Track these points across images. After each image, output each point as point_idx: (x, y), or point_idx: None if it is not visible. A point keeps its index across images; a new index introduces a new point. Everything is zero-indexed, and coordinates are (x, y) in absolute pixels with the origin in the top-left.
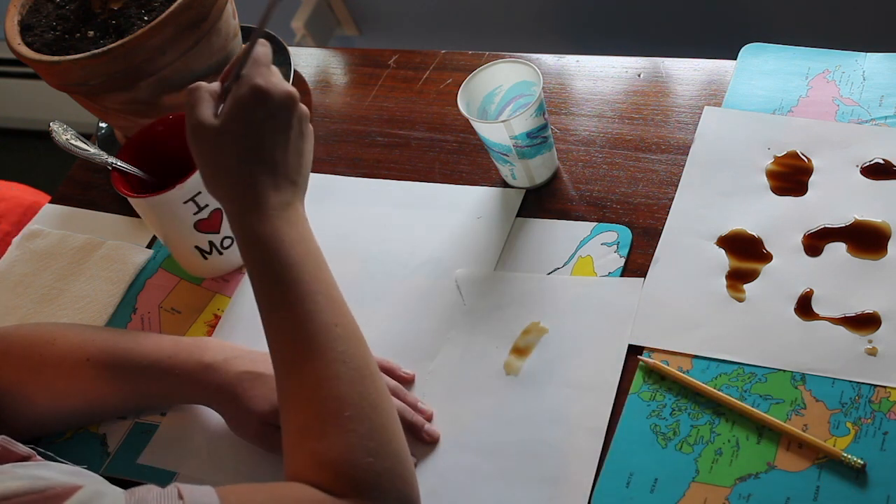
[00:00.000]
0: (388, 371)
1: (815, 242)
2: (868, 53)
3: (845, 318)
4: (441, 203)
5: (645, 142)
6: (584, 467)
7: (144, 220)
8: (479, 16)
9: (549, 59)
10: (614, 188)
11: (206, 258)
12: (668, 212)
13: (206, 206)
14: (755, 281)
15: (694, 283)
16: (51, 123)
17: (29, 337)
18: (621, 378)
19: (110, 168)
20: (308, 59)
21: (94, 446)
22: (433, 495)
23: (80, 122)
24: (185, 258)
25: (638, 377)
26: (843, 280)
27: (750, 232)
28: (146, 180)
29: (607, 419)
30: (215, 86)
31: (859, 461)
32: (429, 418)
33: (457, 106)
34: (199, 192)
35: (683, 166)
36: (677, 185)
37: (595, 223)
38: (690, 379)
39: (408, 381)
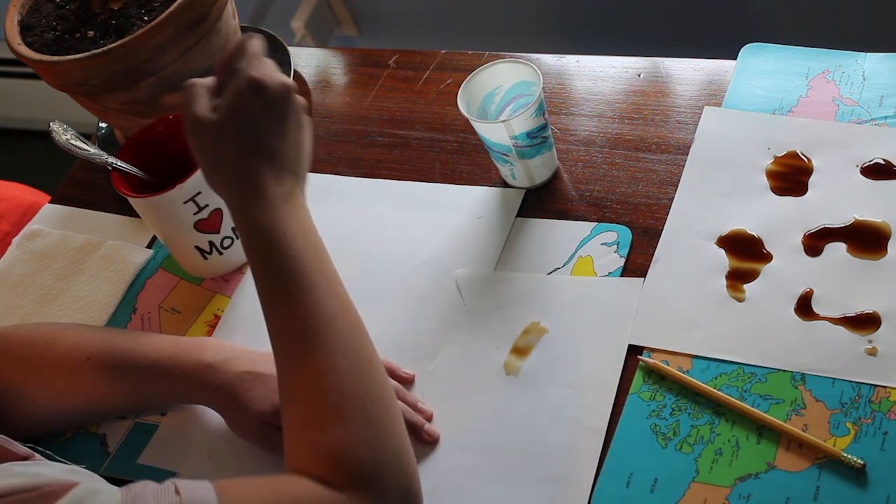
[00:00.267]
0: (388, 371)
1: (815, 242)
2: (868, 53)
3: (845, 318)
4: (441, 203)
5: (645, 142)
6: (584, 467)
7: (144, 220)
8: (479, 16)
9: (549, 59)
10: (614, 188)
11: (206, 258)
12: (668, 212)
13: (206, 206)
14: (755, 281)
15: (694, 283)
16: (51, 123)
17: (29, 337)
18: (621, 378)
19: (110, 168)
20: (308, 59)
21: (94, 446)
22: (433, 495)
23: (80, 122)
24: (185, 258)
25: (638, 377)
26: (843, 280)
27: (750, 232)
28: (146, 180)
29: (607, 419)
30: (210, 81)
31: (859, 461)
32: (429, 418)
33: (457, 106)
34: (199, 192)
35: (683, 166)
36: (677, 185)
37: (595, 223)
38: (690, 379)
39: (408, 381)
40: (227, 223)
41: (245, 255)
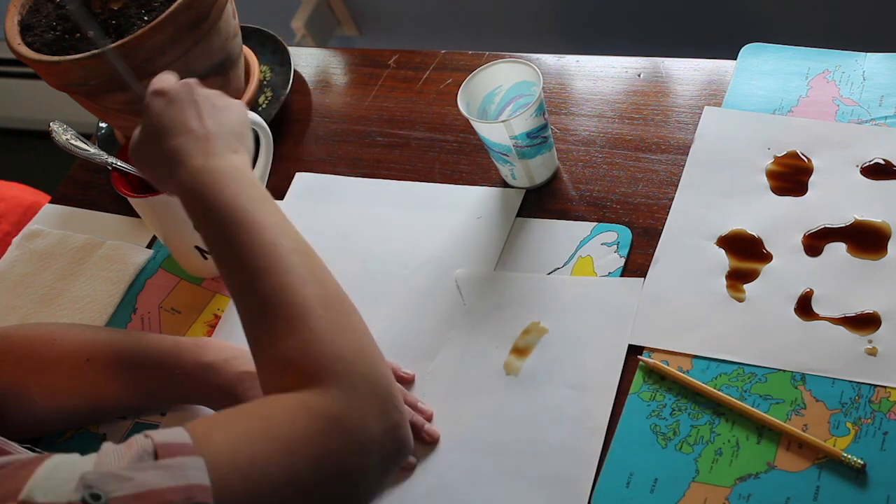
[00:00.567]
0: None
1: (815, 242)
2: (868, 53)
3: (845, 318)
4: (441, 203)
5: (645, 142)
6: (584, 467)
7: (144, 220)
8: (479, 16)
9: (549, 59)
10: (614, 188)
11: (206, 258)
12: (668, 212)
13: None
14: (755, 281)
15: (694, 283)
16: (51, 123)
17: (29, 337)
18: (621, 378)
19: (110, 168)
20: (308, 59)
21: (94, 446)
22: (433, 495)
23: (80, 122)
24: (185, 258)
25: (638, 377)
26: (843, 280)
27: (750, 232)
28: (146, 180)
29: (607, 419)
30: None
31: (859, 461)
32: (429, 418)
33: (457, 106)
34: None
35: (683, 166)
36: (677, 185)
37: (595, 223)
38: (690, 379)
39: (408, 381)
40: None
41: (194, 226)
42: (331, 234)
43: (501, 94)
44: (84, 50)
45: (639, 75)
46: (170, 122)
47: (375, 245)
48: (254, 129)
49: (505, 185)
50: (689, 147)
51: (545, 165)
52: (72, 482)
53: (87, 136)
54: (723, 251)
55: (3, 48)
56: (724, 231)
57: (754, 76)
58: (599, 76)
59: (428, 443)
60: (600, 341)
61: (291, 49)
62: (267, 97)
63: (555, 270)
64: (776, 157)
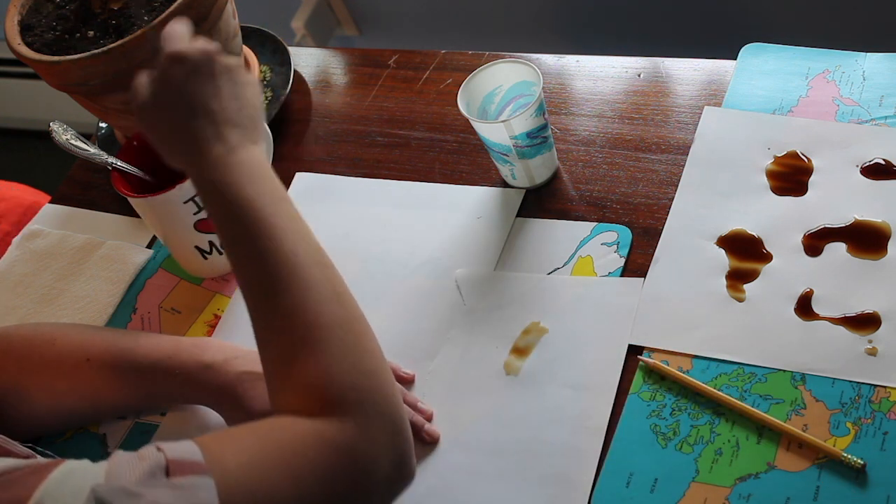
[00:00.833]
0: None
1: (815, 242)
2: (868, 53)
3: (845, 318)
4: (441, 203)
5: (645, 142)
6: (584, 467)
7: (144, 220)
8: (479, 16)
9: (549, 59)
10: (614, 188)
11: (206, 258)
12: (668, 212)
13: None
14: (755, 281)
15: (694, 283)
16: (51, 123)
17: (29, 337)
18: (621, 378)
19: (110, 168)
20: (308, 59)
21: (94, 446)
22: (433, 495)
23: (80, 122)
24: (185, 258)
25: (638, 377)
26: (843, 280)
27: (750, 232)
28: (146, 180)
29: (607, 419)
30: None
31: (859, 461)
32: (429, 418)
33: (457, 106)
34: None
35: (683, 166)
36: (677, 185)
37: (595, 223)
38: (690, 379)
39: (408, 381)
40: None
41: (208, 216)
42: (331, 234)
43: (501, 94)
44: (84, 50)
45: (639, 75)
46: (189, 97)
47: (375, 245)
48: None
49: (505, 185)
50: (689, 147)
51: (545, 165)
52: (82, 493)
53: (87, 136)
54: (723, 251)
55: (3, 48)
56: (724, 231)
57: (754, 76)
58: (599, 76)
59: (428, 443)
60: (600, 341)
61: (291, 49)
62: (267, 97)
63: (555, 270)
64: (776, 157)
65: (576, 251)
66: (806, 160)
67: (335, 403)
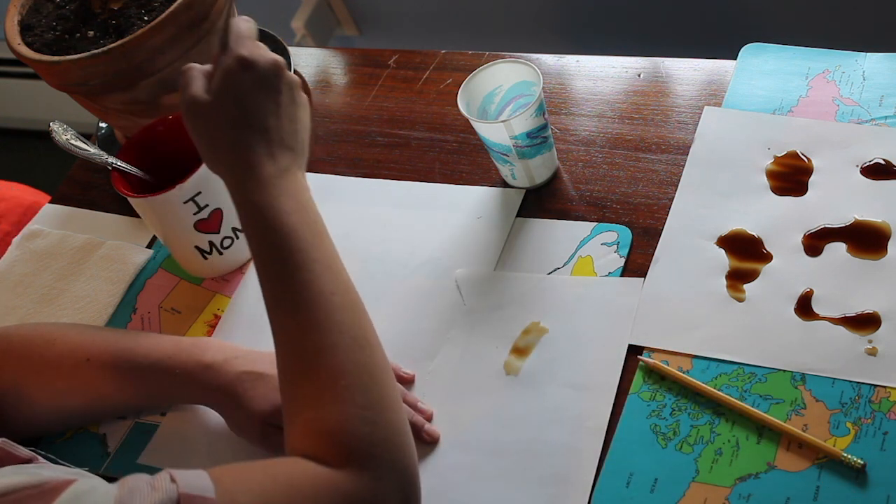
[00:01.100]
0: None
1: (815, 242)
2: (868, 53)
3: (845, 318)
4: (441, 203)
5: (645, 142)
6: (584, 467)
7: (144, 220)
8: (479, 16)
9: (549, 59)
10: (614, 188)
11: (206, 258)
12: (668, 212)
13: (206, 206)
14: (755, 281)
15: (694, 283)
16: (51, 123)
17: (29, 337)
18: (621, 378)
19: (110, 168)
20: (308, 59)
21: (94, 446)
22: (433, 495)
23: (80, 122)
24: (185, 258)
25: (638, 377)
26: (843, 280)
27: (750, 232)
28: (146, 180)
29: (607, 419)
30: (208, 66)
31: (859, 461)
32: (429, 418)
33: (457, 106)
34: (199, 192)
35: (683, 166)
36: (677, 185)
37: (595, 223)
38: (690, 379)
39: (408, 381)
40: (228, 223)
41: (244, 233)
42: (331, 234)
43: (501, 94)
44: (84, 50)
45: (639, 75)
46: (251, 108)
47: (375, 245)
48: None
49: (505, 185)
50: (689, 147)
51: (545, 165)
52: None
53: (87, 136)
54: (723, 251)
55: (3, 48)
56: (724, 231)
57: (754, 76)
58: (599, 76)
59: (428, 443)
60: (600, 341)
61: (291, 49)
62: None
63: (555, 270)
64: (776, 157)
65: (576, 251)
66: (806, 160)
67: (352, 455)
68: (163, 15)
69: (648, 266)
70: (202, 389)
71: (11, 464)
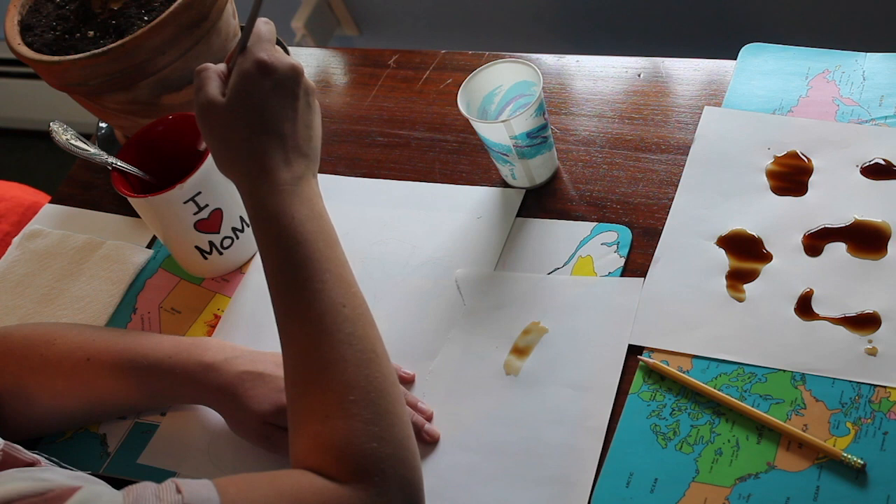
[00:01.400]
0: None
1: (815, 242)
2: (868, 53)
3: (845, 318)
4: (441, 203)
5: (645, 142)
6: (584, 467)
7: (144, 220)
8: (479, 16)
9: (549, 59)
10: (614, 188)
11: (206, 258)
12: (668, 212)
13: (206, 206)
14: (755, 281)
15: (694, 283)
16: (51, 123)
17: (29, 337)
18: (621, 378)
19: (110, 168)
20: (308, 59)
21: (94, 446)
22: (433, 495)
23: (80, 122)
24: (185, 258)
25: (638, 377)
26: (843, 280)
27: (750, 232)
28: (146, 180)
29: (607, 419)
30: (222, 67)
31: (859, 461)
32: (429, 418)
33: (457, 106)
34: (199, 192)
35: (683, 166)
36: (677, 185)
37: (595, 223)
38: (690, 379)
39: (408, 381)
40: (227, 223)
41: (255, 238)
42: None
43: (501, 94)
44: (84, 50)
45: (639, 75)
46: (268, 113)
47: (375, 245)
48: None
49: (505, 185)
50: (689, 147)
51: (545, 165)
52: None
53: (87, 136)
54: (723, 251)
55: (3, 48)
56: (724, 231)
57: (754, 76)
58: (599, 76)
59: (428, 443)
60: (600, 341)
61: (291, 49)
62: None
63: (555, 270)
64: (776, 157)
65: (576, 251)
66: (806, 160)
67: (358, 471)
68: (163, 15)
69: (648, 266)
70: (202, 389)
71: (15, 467)
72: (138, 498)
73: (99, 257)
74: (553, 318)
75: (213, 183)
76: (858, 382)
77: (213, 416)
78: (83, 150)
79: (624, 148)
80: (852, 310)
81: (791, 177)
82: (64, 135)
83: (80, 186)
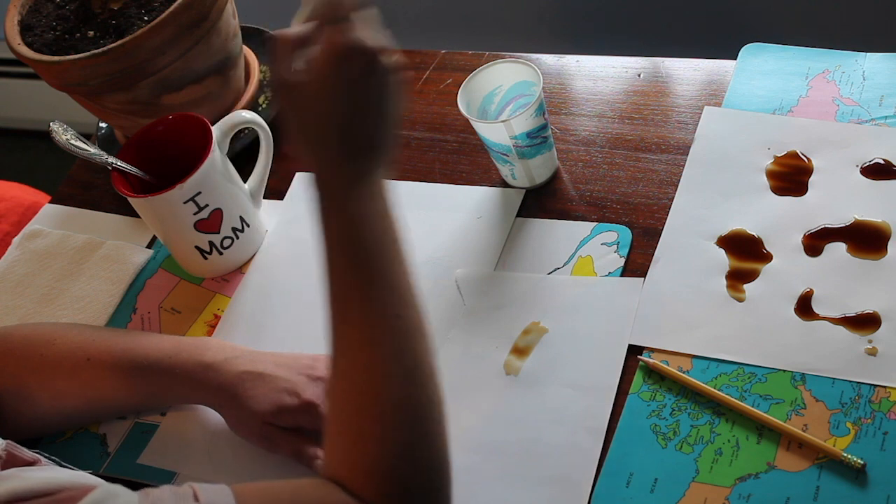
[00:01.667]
0: None
1: (815, 242)
2: (868, 53)
3: (845, 318)
4: (441, 203)
5: (645, 142)
6: (584, 467)
7: (144, 220)
8: (479, 16)
9: (549, 59)
10: (614, 188)
11: (206, 258)
12: (668, 212)
13: (206, 206)
14: (755, 281)
15: (694, 283)
16: (51, 123)
17: (29, 337)
18: (621, 378)
19: (110, 168)
20: None
21: (94, 446)
22: None
23: (80, 122)
24: (185, 258)
25: (638, 377)
26: (843, 280)
27: (750, 232)
28: (146, 180)
29: (607, 419)
30: (300, 32)
31: (859, 461)
32: None
33: (457, 106)
34: (199, 192)
35: (683, 166)
36: (677, 185)
37: (595, 223)
38: (690, 379)
39: None
40: (228, 223)
41: (316, 229)
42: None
43: (501, 94)
44: (84, 50)
45: (639, 75)
46: (350, 101)
47: None
48: (254, 129)
49: (505, 185)
50: (689, 147)
51: (545, 165)
52: None
53: (87, 136)
54: (723, 251)
55: (3, 48)
56: (724, 231)
57: (754, 76)
58: (599, 76)
59: None
60: (600, 341)
61: None
62: (267, 97)
63: (555, 270)
64: (776, 157)
65: (576, 251)
66: (806, 160)
67: (386, 494)
68: (163, 15)
69: (648, 266)
70: (202, 389)
71: (16, 466)
72: (156, 501)
73: (99, 257)
74: (553, 318)
75: (213, 183)
76: (858, 382)
77: (213, 416)
78: (83, 150)
79: (624, 148)
80: (852, 310)
81: (791, 177)
82: (64, 135)
83: (80, 186)
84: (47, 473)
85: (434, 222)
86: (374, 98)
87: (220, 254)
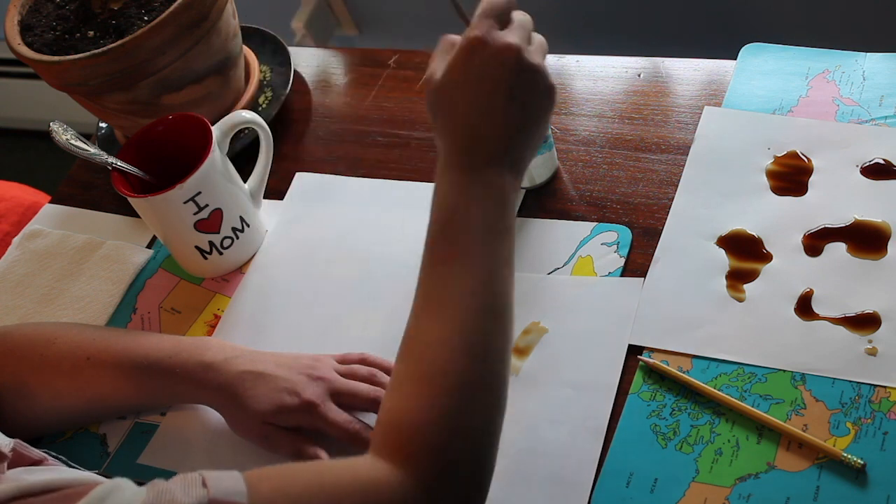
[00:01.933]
0: (388, 371)
1: (815, 242)
2: (868, 53)
3: (845, 318)
4: None
5: (645, 142)
6: (584, 467)
7: (144, 220)
8: None
9: (549, 59)
10: (614, 188)
11: (206, 258)
12: (668, 212)
13: (206, 206)
14: (755, 281)
15: (694, 283)
16: (51, 123)
17: (29, 337)
18: (621, 378)
19: (110, 168)
20: (308, 59)
21: (94, 446)
22: None
23: (80, 122)
24: (185, 258)
25: (638, 377)
26: (843, 280)
27: (750, 232)
28: (146, 180)
29: (607, 419)
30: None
31: (859, 461)
32: None
33: None
34: (199, 192)
35: (683, 166)
36: (677, 185)
37: (595, 223)
38: (690, 379)
39: None
40: (228, 223)
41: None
42: (331, 234)
43: None
44: (84, 50)
45: (639, 75)
46: (472, 91)
47: (375, 245)
48: (254, 129)
49: None
50: (689, 147)
51: (545, 165)
52: None
53: (87, 136)
54: (723, 251)
55: (3, 48)
56: (724, 231)
57: (754, 76)
58: (599, 76)
59: None
60: (600, 341)
61: (291, 49)
62: (267, 97)
63: (555, 270)
64: (776, 157)
65: (576, 251)
66: (806, 160)
67: (418, 458)
68: (163, 15)
69: (648, 266)
70: (202, 389)
71: (23, 464)
72: (163, 491)
73: (99, 257)
74: (553, 318)
75: (213, 183)
76: (858, 382)
77: (213, 416)
78: (83, 150)
79: (624, 148)
80: (852, 310)
81: (791, 177)
82: (64, 135)
83: (80, 186)
84: (51, 475)
85: None
86: (487, 94)
87: (220, 254)
